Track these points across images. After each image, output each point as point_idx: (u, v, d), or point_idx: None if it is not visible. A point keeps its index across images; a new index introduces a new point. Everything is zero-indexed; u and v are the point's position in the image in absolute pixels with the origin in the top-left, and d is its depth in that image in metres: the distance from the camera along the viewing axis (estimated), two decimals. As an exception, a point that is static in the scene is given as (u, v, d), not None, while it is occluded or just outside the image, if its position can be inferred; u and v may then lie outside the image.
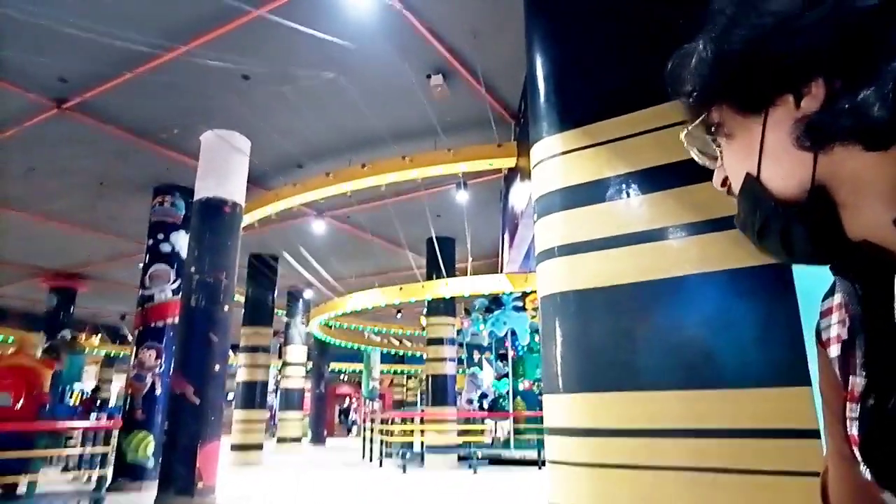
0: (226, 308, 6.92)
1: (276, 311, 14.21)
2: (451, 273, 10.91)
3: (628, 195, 2.70)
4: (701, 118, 0.54)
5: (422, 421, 11.63)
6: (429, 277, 10.99)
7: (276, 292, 13.60)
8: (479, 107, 6.64)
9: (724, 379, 2.27)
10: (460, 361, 12.88)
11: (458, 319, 12.36)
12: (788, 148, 0.47)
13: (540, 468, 10.12)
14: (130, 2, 5.11)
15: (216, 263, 6.95)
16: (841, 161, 0.45)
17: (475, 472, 9.92)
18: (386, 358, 23.12)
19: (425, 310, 11.92)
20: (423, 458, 10.95)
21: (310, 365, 18.19)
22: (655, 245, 2.57)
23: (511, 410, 12.31)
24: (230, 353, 7.35)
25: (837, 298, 0.56)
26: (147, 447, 7.90)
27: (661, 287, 2.51)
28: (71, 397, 8.82)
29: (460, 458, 10.90)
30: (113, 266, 13.40)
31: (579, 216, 2.81)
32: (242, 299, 12.96)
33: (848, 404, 0.51)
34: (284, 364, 15.88)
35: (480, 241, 10.80)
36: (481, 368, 13.35)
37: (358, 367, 23.36)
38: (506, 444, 11.88)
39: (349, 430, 26.75)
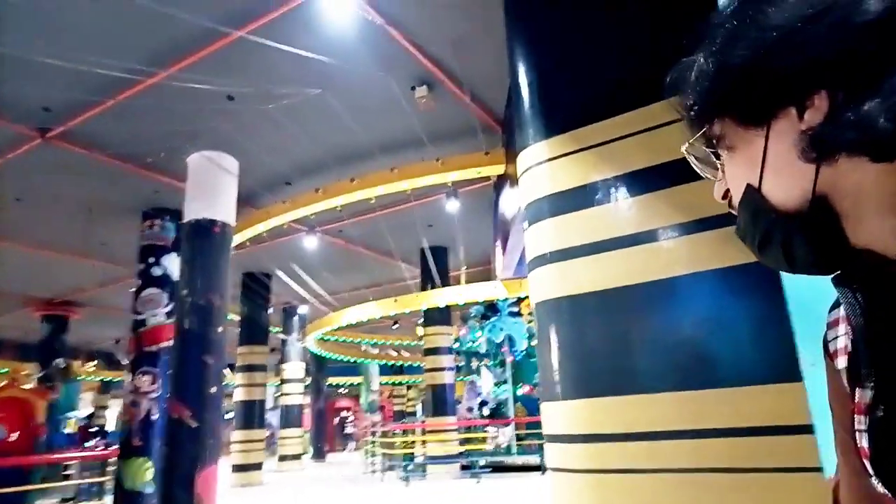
0: (219, 329, 6.88)
1: (271, 328, 14.14)
2: (446, 282, 10.91)
3: (616, 198, 2.70)
4: (702, 131, 0.55)
5: (423, 432, 11.57)
6: (423, 288, 10.98)
7: (271, 310, 13.54)
8: (465, 116, 6.67)
9: (719, 378, 2.26)
10: (458, 369, 12.85)
11: (454, 328, 12.34)
12: (791, 160, 0.47)
13: (542, 473, 10.09)
14: (110, 28, 5.10)
15: (208, 285, 6.92)
16: (844, 172, 0.45)
17: (478, 481, 9.87)
18: (384, 370, 23.03)
19: (422, 319, 11.89)
20: (425, 470, 10.89)
21: (308, 380, 18.09)
22: (645, 247, 2.57)
23: (512, 416, 12.28)
24: (228, 372, 7.30)
25: (843, 310, 0.56)
26: (145, 473, 7.81)
27: (653, 289, 2.51)
28: (67, 426, 8.73)
29: (463, 468, 10.84)
30: (105, 292, 13.30)
31: (569, 222, 2.81)
32: (237, 318, 12.89)
33: (856, 416, 0.50)
34: (282, 381, 15.80)
35: (473, 249, 10.80)
36: (480, 375, 13.32)
37: (357, 380, 23.25)
38: (507, 450, 11.84)
39: (345, 446, 26.57)
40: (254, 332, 13.20)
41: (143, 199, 8.57)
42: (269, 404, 18.19)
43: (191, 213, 7.17)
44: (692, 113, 0.54)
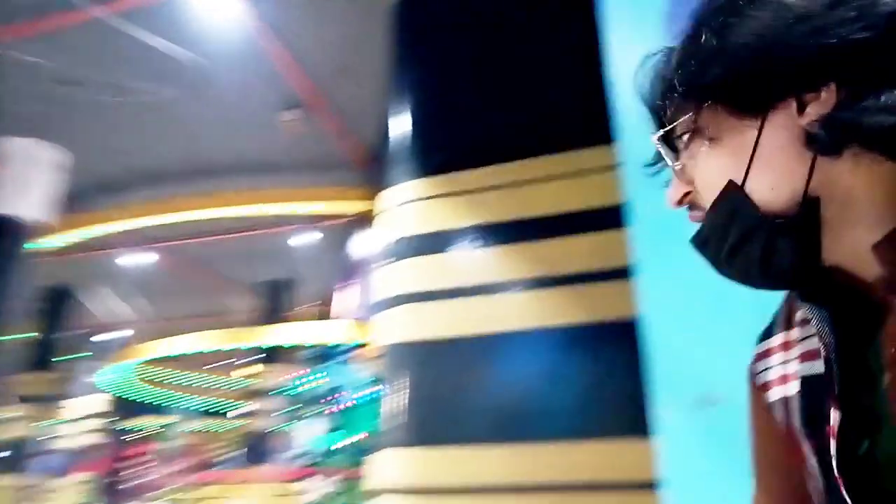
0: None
1: (69, 354, 12.28)
2: (286, 318, 10.39)
3: (474, 247, 2.71)
4: (677, 122, 0.50)
5: (238, 482, 10.59)
6: (262, 322, 10.34)
7: (71, 333, 11.80)
8: (332, 147, 6.58)
9: (559, 432, 2.26)
10: (288, 414, 12.12)
11: (287, 368, 11.71)
12: (783, 155, 0.45)
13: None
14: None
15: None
16: (837, 175, 0.43)
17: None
18: (200, 412, 20.94)
19: (250, 359, 11.12)
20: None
21: (104, 419, 15.84)
22: (496, 297, 2.57)
23: (339, 467, 11.74)
24: None
25: (779, 339, 0.54)
26: None
27: (497, 340, 2.51)
28: None
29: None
30: None
31: (425, 265, 2.76)
32: (26, 339, 11.00)
33: (832, 440, 0.45)
34: (71, 419, 13.67)
35: (318, 286, 10.48)
36: (307, 422, 12.69)
37: (166, 419, 20.83)
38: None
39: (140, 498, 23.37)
40: (45, 357, 11.36)
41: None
42: (49, 445, 15.57)
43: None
44: (677, 95, 0.49)
